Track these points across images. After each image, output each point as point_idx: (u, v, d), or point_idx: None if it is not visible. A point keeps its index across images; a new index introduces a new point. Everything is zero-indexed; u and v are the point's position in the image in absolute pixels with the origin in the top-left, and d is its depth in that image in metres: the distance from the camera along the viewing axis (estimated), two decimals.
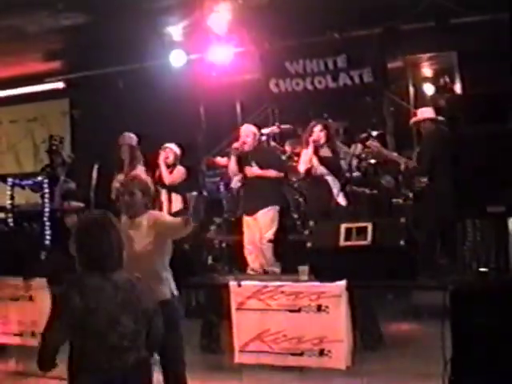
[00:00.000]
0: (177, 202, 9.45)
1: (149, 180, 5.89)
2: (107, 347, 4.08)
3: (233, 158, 8.97)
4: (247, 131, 9.00)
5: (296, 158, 10.24)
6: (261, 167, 8.82)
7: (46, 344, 4.14)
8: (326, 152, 8.79)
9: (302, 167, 8.87)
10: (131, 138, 9.55)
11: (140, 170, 9.34)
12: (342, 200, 8.50)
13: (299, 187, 9.99)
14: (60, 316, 4.04)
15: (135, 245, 5.36)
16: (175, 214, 9.27)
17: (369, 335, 6.95)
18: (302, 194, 9.88)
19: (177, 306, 5.59)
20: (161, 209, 9.35)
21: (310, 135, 8.76)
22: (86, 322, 4.02)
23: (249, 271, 8.62)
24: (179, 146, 9.58)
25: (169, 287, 5.56)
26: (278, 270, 8.56)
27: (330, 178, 8.63)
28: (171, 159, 9.49)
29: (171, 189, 9.41)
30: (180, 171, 9.52)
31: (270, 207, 8.74)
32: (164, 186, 9.39)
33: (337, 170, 8.68)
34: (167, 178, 9.40)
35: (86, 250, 4.19)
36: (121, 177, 9.33)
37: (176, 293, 5.64)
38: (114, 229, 4.27)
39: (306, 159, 8.76)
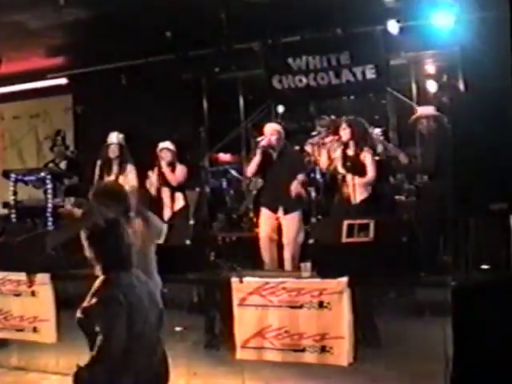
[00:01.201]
0: (179, 199, 9.45)
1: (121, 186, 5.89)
2: (146, 345, 4.13)
3: (258, 158, 8.74)
4: (271, 130, 8.79)
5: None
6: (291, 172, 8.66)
7: (111, 354, 4.04)
8: (349, 150, 8.57)
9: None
10: (119, 136, 9.56)
11: (130, 170, 9.36)
12: (359, 198, 8.39)
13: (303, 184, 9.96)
14: (118, 317, 4.01)
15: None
16: (178, 212, 9.30)
17: (370, 332, 6.95)
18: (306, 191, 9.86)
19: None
20: (162, 207, 9.35)
21: (337, 134, 8.67)
22: (131, 321, 4.03)
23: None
24: (175, 142, 9.54)
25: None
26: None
27: (349, 177, 8.44)
28: (170, 158, 9.44)
29: (174, 187, 9.40)
30: (182, 170, 9.48)
31: (298, 211, 8.67)
32: (167, 184, 9.38)
33: (358, 167, 8.45)
34: (173, 181, 9.38)
35: (112, 249, 4.17)
36: (111, 178, 9.33)
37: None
38: (125, 228, 4.30)
39: (324, 160, 8.77)
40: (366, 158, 8.38)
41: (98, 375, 3.97)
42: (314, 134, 10.31)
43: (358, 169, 8.36)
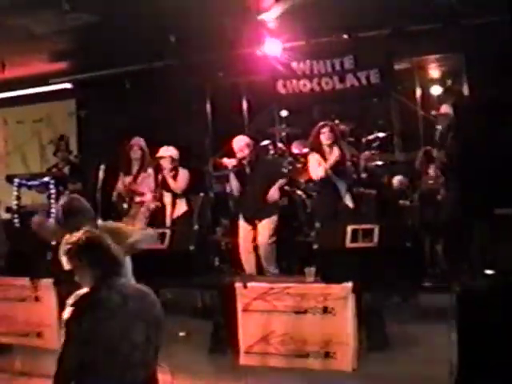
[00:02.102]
0: (181, 205, 9.43)
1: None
2: (119, 361, 4.02)
3: (232, 177, 8.90)
4: (240, 145, 8.86)
5: (303, 160, 10.23)
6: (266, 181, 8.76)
7: (64, 369, 3.98)
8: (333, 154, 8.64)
9: (315, 174, 8.80)
10: (142, 140, 9.55)
11: (150, 174, 9.35)
12: (349, 202, 8.44)
13: (305, 189, 9.97)
14: (74, 338, 3.95)
15: None
16: (180, 217, 9.28)
17: (375, 337, 6.93)
18: (309, 196, 9.87)
19: None
20: (164, 212, 9.33)
21: (318, 137, 8.70)
22: (98, 336, 3.97)
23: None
24: (177, 147, 9.52)
25: None
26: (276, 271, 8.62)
27: (337, 180, 8.55)
28: (171, 163, 9.41)
29: (176, 193, 9.39)
30: (184, 176, 9.43)
31: (272, 217, 8.74)
32: (168, 189, 9.36)
33: (343, 171, 8.58)
34: (175, 188, 9.35)
35: (96, 264, 4.15)
36: (128, 179, 9.33)
37: None
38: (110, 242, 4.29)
39: (316, 165, 8.71)
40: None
41: None
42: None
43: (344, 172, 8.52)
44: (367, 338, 6.75)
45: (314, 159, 8.72)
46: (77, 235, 4.30)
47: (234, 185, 8.98)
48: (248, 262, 8.73)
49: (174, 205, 9.37)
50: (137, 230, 5.92)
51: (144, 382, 4.13)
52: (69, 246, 4.23)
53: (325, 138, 8.63)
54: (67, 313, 4.02)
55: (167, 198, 9.40)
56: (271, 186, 8.73)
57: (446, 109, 8.96)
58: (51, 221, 5.67)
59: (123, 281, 4.21)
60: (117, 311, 4.04)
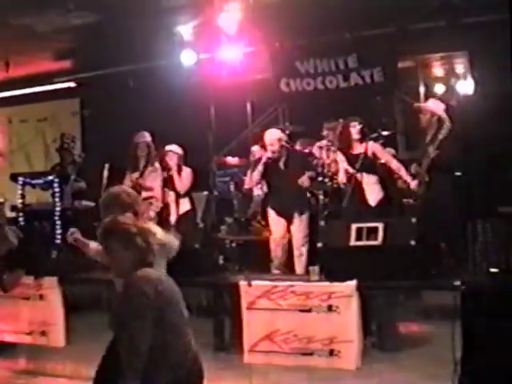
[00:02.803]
0: (184, 204, 9.44)
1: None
2: (183, 339, 4.09)
3: (259, 168, 8.85)
4: (272, 139, 8.84)
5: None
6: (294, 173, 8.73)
7: (138, 350, 3.88)
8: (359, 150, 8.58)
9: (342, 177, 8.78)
10: (148, 135, 9.53)
11: (157, 168, 9.32)
12: (371, 198, 8.40)
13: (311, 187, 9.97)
14: (144, 315, 3.90)
15: None
16: (183, 216, 9.27)
17: (381, 335, 6.94)
18: (314, 194, 9.85)
19: None
20: (168, 211, 9.33)
21: (347, 134, 8.68)
22: (166, 315, 3.98)
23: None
24: (181, 145, 9.53)
25: None
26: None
27: (360, 176, 8.49)
28: (175, 162, 9.44)
29: (180, 192, 9.40)
30: (188, 174, 9.47)
31: (305, 214, 8.76)
32: (172, 188, 9.36)
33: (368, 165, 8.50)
34: (180, 186, 9.38)
35: (138, 247, 4.14)
36: (135, 175, 9.33)
37: None
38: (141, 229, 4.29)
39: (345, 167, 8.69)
40: (377, 151, 8.48)
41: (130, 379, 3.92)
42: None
43: (370, 168, 8.41)
44: (375, 337, 6.79)
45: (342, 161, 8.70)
46: (105, 220, 4.32)
47: (254, 178, 8.98)
48: (277, 255, 8.74)
49: (177, 204, 9.38)
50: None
51: (197, 356, 4.18)
52: (100, 231, 4.22)
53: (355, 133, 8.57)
54: (126, 297, 3.96)
55: (171, 196, 9.41)
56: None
57: (433, 104, 8.88)
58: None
59: (153, 260, 4.18)
60: (170, 287, 4.09)
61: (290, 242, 8.77)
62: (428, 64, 12.02)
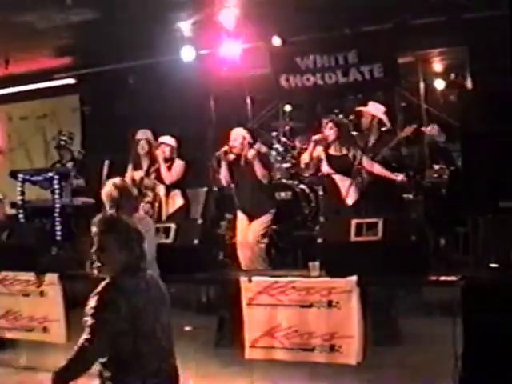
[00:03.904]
0: (176, 197, 9.29)
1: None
2: (157, 348, 4.02)
3: (224, 164, 8.77)
4: (235, 134, 8.76)
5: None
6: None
7: (86, 358, 3.86)
8: (336, 150, 8.47)
9: (302, 161, 8.77)
10: (149, 132, 9.48)
11: (180, 168, 9.24)
12: (350, 200, 8.31)
13: (310, 183, 9.97)
14: (107, 324, 3.83)
15: None
16: (176, 212, 9.21)
17: (382, 331, 6.95)
18: (313, 190, 9.86)
19: None
20: (160, 204, 9.25)
21: (322, 132, 8.59)
22: (138, 325, 3.91)
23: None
24: (174, 137, 9.44)
25: None
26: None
27: (337, 177, 8.37)
28: (168, 153, 9.25)
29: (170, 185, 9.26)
30: (179, 167, 9.25)
31: (267, 215, 8.66)
32: (162, 181, 9.28)
33: (346, 168, 8.35)
34: (167, 178, 9.16)
35: (125, 252, 4.09)
36: (139, 174, 9.30)
37: None
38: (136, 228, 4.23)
39: (306, 156, 8.62)
40: (363, 158, 8.32)
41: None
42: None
43: (344, 169, 8.32)
44: (375, 332, 6.79)
45: (308, 152, 8.62)
46: (106, 215, 4.31)
47: (223, 175, 8.85)
48: (245, 257, 8.59)
49: (167, 196, 9.29)
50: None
51: (175, 369, 4.15)
52: (97, 224, 4.17)
53: (330, 133, 8.51)
54: (95, 301, 3.87)
55: (161, 190, 9.29)
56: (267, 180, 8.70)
57: (373, 107, 8.89)
58: None
59: (143, 266, 4.14)
60: (146, 296, 4.04)
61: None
62: (428, 59, 12.02)
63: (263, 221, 8.62)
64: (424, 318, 7.41)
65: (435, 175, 10.05)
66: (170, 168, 9.19)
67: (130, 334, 3.88)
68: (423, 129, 9.25)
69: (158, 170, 9.22)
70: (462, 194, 6.97)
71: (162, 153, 9.21)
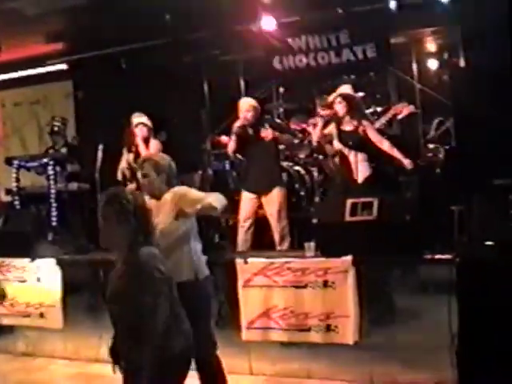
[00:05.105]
0: None
1: (161, 157, 5.80)
2: (182, 310, 4.24)
3: (233, 137, 8.57)
4: (247, 105, 8.61)
5: (301, 135, 10.22)
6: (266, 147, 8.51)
7: (159, 327, 3.98)
8: (346, 125, 8.41)
9: (314, 138, 8.69)
10: (144, 116, 9.42)
11: (156, 146, 9.17)
12: (361, 175, 8.21)
13: (305, 163, 9.98)
14: (161, 291, 4.00)
15: (160, 224, 5.31)
16: None
17: (378, 309, 6.97)
18: (308, 171, 9.86)
19: (198, 290, 5.52)
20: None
21: (331, 108, 8.50)
22: (173, 288, 4.12)
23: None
24: (150, 116, 9.37)
25: (192, 269, 5.52)
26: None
27: (349, 153, 8.27)
28: (146, 134, 9.18)
29: None
30: (156, 146, 9.12)
31: (281, 186, 8.56)
32: None
33: (358, 143, 8.24)
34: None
35: (145, 225, 4.16)
36: (131, 156, 9.28)
37: (202, 276, 5.60)
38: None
39: (315, 135, 8.59)
40: (368, 130, 8.27)
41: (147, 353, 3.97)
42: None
43: (357, 144, 8.26)
44: (372, 311, 6.81)
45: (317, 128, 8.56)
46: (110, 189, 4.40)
47: (231, 147, 8.67)
48: (244, 238, 8.51)
49: None
50: (210, 194, 5.85)
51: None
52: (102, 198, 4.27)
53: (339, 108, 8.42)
54: (148, 273, 4.00)
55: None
56: (274, 154, 8.64)
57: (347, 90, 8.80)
58: None
59: (143, 239, 4.19)
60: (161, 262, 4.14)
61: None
62: (421, 39, 11.98)
63: (276, 194, 8.45)
64: (420, 296, 7.43)
65: (430, 154, 10.06)
66: (146, 147, 9.10)
67: (170, 298, 4.07)
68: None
69: (137, 152, 9.15)
70: (456, 173, 6.97)
71: (141, 132, 9.15)
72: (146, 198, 5.41)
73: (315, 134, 8.61)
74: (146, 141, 9.18)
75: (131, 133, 9.32)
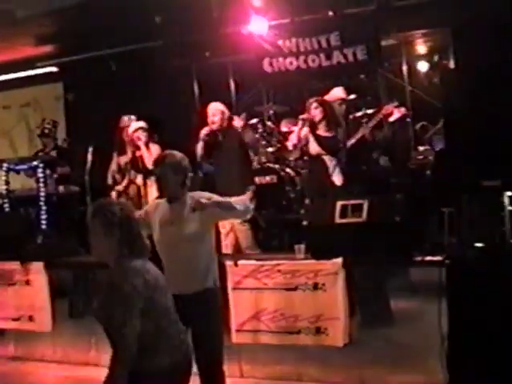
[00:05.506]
0: (153, 186, 9.15)
1: (182, 157, 5.53)
2: (173, 322, 4.16)
3: (200, 144, 8.50)
4: (214, 110, 8.55)
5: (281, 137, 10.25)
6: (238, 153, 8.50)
7: (128, 342, 3.88)
8: (324, 130, 8.45)
9: (289, 143, 8.71)
10: (134, 119, 9.39)
11: (157, 151, 9.13)
12: (337, 179, 8.29)
13: (295, 166, 9.96)
14: (132, 306, 3.90)
15: (175, 231, 5.29)
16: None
17: (367, 311, 6.96)
18: (298, 173, 9.85)
19: (217, 296, 5.54)
20: (139, 193, 9.17)
21: (308, 113, 8.54)
22: (155, 302, 4.01)
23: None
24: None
25: (214, 276, 5.50)
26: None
27: (326, 158, 8.36)
28: (145, 139, 9.16)
29: (147, 173, 9.09)
30: (156, 150, 9.04)
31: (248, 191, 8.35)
32: (138, 170, 9.22)
33: (335, 148, 8.33)
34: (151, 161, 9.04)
35: (130, 238, 4.11)
36: (123, 159, 9.24)
37: (217, 283, 5.56)
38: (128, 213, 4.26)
39: (293, 137, 8.57)
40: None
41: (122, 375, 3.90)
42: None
43: (333, 149, 8.30)
44: (362, 313, 6.81)
45: (295, 132, 8.56)
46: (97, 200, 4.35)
47: (198, 153, 8.56)
48: (224, 243, 8.39)
49: (145, 185, 9.15)
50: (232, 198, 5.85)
51: (188, 343, 4.27)
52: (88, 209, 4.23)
53: (312, 113, 8.47)
54: (119, 287, 3.93)
55: (138, 178, 9.22)
56: (244, 157, 8.60)
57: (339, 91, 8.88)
58: None
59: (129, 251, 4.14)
60: (154, 274, 4.12)
61: None
62: (411, 41, 12.00)
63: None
64: (410, 298, 7.43)
65: (420, 157, 10.07)
66: (148, 152, 9.08)
67: (151, 313, 3.97)
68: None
69: (136, 158, 9.18)
70: (445, 174, 6.96)
71: (143, 137, 9.14)
72: (159, 201, 5.41)
73: (293, 137, 8.60)
74: (146, 145, 9.16)
75: (121, 135, 9.32)
